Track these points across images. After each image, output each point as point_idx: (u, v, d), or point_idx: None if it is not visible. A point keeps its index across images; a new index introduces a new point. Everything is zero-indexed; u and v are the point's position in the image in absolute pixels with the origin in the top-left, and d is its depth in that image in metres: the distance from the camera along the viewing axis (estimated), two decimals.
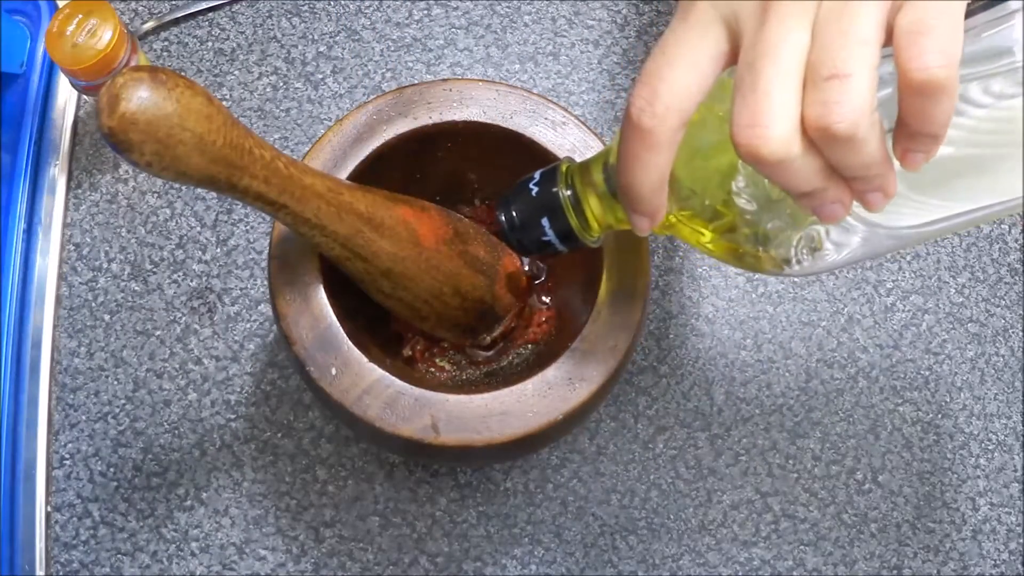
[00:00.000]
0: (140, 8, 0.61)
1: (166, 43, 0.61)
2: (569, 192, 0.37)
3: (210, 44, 0.61)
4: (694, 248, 0.38)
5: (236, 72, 0.61)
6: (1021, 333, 0.59)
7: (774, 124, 0.27)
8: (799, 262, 0.35)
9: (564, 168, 0.38)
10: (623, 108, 0.61)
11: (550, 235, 0.38)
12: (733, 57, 0.30)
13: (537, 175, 0.39)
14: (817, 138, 0.28)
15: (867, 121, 0.27)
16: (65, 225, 0.57)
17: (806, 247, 0.35)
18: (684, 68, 0.30)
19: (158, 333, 0.56)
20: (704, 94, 0.31)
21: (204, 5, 0.61)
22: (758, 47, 0.28)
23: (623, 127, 0.32)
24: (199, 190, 0.57)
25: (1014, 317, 0.59)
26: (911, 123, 0.27)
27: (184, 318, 0.56)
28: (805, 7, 0.28)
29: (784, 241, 0.35)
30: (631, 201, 0.33)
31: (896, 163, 0.29)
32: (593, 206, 0.37)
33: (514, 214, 0.39)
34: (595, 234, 0.38)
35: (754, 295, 0.58)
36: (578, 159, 0.39)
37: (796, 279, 0.58)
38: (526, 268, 0.52)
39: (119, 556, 0.52)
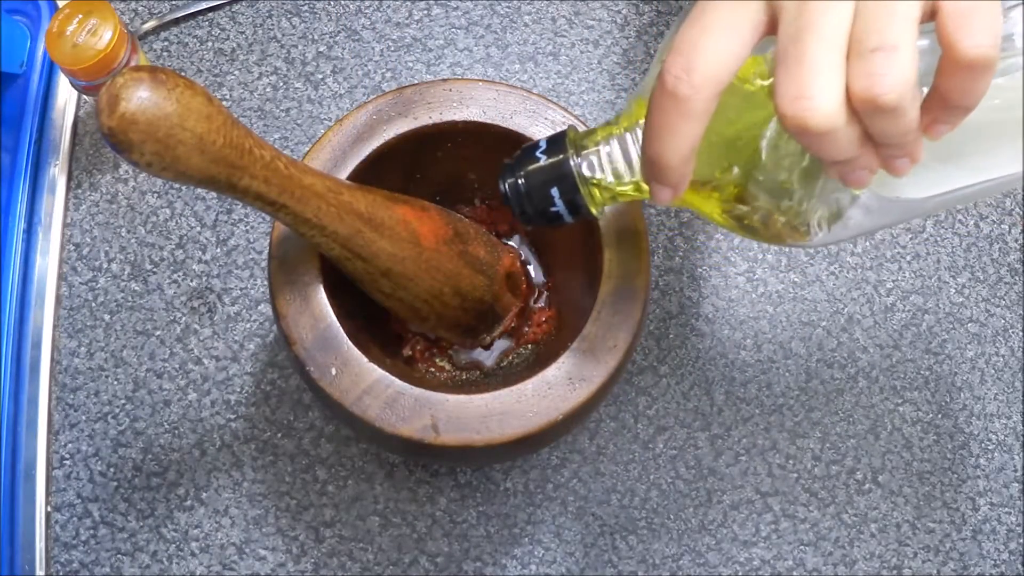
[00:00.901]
0: (140, 8, 0.61)
1: (166, 43, 0.61)
2: (580, 160, 0.36)
3: (210, 44, 0.61)
4: (708, 220, 0.37)
5: (236, 72, 0.61)
6: (1021, 333, 0.59)
7: (821, 96, 0.28)
8: (819, 231, 0.35)
9: (571, 135, 0.37)
10: (623, 108, 0.61)
11: (559, 205, 0.37)
12: (769, 28, 0.30)
13: (543, 143, 0.37)
14: (862, 109, 0.28)
15: (911, 93, 0.28)
16: (65, 225, 0.57)
17: (827, 216, 0.35)
18: (722, 37, 0.30)
19: (158, 333, 0.56)
20: (741, 64, 0.30)
21: (204, 5, 0.61)
22: (802, 19, 0.28)
23: (654, 96, 0.31)
24: (199, 190, 0.57)
25: (1014, 317, 0.59)
26: (951, 97, 0.28)
27: (184, 318, 0.56)
28: None
29: (806, 210, 0.34)
30: (658, 171, 0.33)
31: None
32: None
33: (520, 182, 0.37)
34: (599, 205, 0.37)
35: (754, 295, 0.58)
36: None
37: (797, 274, 0.58)
38: (526, 263, 0.52)
39: (119, 556, 0.52)
